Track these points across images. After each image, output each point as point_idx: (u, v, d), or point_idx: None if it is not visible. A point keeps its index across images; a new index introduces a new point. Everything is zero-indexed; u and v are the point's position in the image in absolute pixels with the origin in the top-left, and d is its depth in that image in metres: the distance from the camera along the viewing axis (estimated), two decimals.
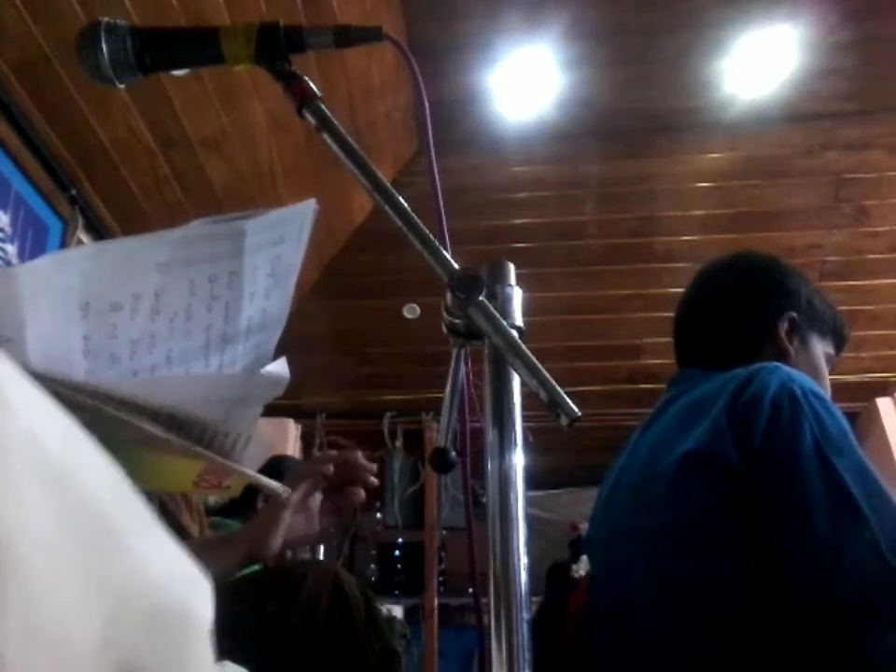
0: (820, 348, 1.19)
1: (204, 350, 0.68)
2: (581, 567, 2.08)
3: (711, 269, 1.27)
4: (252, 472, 0.68)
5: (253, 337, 0.72)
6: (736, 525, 0.92)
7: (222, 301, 0.66)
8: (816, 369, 1.16)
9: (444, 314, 0.62)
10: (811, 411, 0.91)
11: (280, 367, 0.74)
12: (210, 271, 0.64)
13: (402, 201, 0.63)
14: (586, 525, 2.34)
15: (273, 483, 0.75)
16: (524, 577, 0.54)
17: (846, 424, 0.93)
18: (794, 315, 1.16)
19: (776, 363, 1.01)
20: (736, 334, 1.18)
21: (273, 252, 0.68)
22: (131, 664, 0.32)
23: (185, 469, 0.66)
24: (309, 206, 0.68)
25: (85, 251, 0.59)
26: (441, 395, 0.68)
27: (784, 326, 1.16)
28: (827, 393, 1.12)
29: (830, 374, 1.20)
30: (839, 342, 1.23)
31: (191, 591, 0.37)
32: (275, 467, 2.06)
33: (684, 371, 1.21)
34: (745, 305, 1.20)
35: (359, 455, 0.93)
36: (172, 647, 0.34)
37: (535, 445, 2.94)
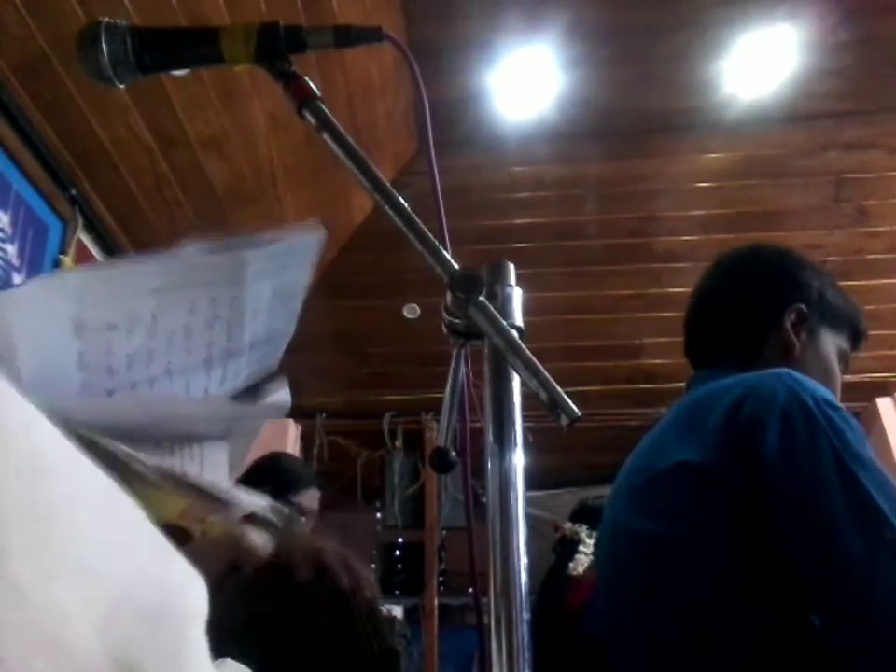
0: (832, 342, 1.13)
1: (206, 364, 0.66)
2: (579, 566, 2.08)
3: (722, 260, 1.21)
4: (246, 499, 0.65)
5: (258, 349, 0.70)
6: (734, 538, 0.89)
7: (223, 321, 0.64)
8: (825, 365, 1.11)
9: (444, 314, 0.61)
10: (827, 422, 0.87)
11: (281, 393, 0.72)
12: (210, 294, 0.62)
13: (402, 201, 0.63)
14: (569, 525, 2.34)
15: (268, 512, 0.73)
16: (524, 577, 0.54)
17: (862, 433, 0.89)
18: (802, 307, 1.11)
19: (784, 369, 0.96)
20: (741, 326, 1.13)
21: (277, 279, 0.66)
22: (128, 659, 0.32)
23: (169, 504, 0.64)
24: (315, 236, 0.66)
25: (78, 274, 0.57)
26: (441, 395, 0.68)
27: (791, 318, 1.11)
28: (837, 392, 1.09)
29: None
30: (856, 336, 1.18)
31: (186, 587, 0.37)
32: (273, 465, 2.05)
33: (697, 373, 1.16)
34: (751, 296, 1.15)
35: None
36: (169, 642, 0.34)
37: (535, 445, 2.93)
